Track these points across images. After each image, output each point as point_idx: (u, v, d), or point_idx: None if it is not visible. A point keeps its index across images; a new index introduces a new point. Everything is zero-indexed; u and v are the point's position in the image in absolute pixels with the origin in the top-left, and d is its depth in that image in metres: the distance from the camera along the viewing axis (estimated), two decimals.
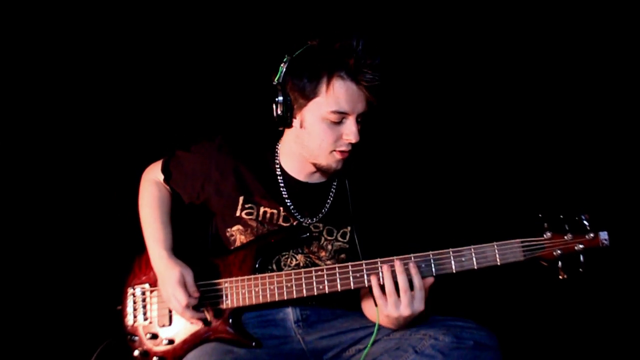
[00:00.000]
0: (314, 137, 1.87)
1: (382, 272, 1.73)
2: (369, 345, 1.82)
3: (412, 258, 1.76)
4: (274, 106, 1.87)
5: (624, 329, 2.50)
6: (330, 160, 1.90)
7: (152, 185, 2.11)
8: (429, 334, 1.74)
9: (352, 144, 1.87)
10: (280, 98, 1.86)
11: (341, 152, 1.88)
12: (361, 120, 1.87)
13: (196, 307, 1.89)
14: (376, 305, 1.75)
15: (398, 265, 1.72)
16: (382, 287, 1.73)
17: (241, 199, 2.00)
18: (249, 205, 1.99)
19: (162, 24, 2.56)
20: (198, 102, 2.62)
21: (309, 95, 1.83)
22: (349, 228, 1.99)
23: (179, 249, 1.97)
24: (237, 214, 1.99)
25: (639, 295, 2.49)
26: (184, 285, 1.85)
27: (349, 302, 2.03)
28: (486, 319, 1.80)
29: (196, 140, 2.10)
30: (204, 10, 2.58)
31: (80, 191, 2.54)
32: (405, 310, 1.70)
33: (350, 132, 1.84)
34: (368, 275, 1.76)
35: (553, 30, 2.54)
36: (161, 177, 2.11)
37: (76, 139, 2.56)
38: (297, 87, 1.84)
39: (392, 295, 1.71)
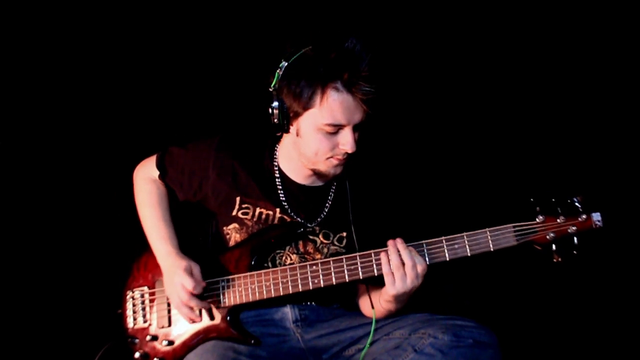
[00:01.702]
0: (311, 146, 1.85)
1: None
2: (367, 345, 1.83)
3: None
4: (270, 111, 1.85)
5: (622, 314, 2.48)
6: (328, 166, 1.89)
7: (148, 183, 2.10)
8: (428, 332, 1.74)
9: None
10: (276, 104, 1.83)
11: (338, 158, 1.86)
12: (359, 128, 1.84)
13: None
14: (372, 306, 1.83)
15: (400, 242, 1.74)
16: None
17: (238, 199, 2.00)
18: (246, 205, 2.00)
19: (159, 24, 2.57)
20: (198, 103, 2.63)
21: (304, 105, 1.80)
22: (345, 233, 1.99)
23: (181, 247, 1.98)
24: (234, 213, 2.00)
25: (634, 278, 2.47)
26: (191, 274, 1.86)
27: (348, 301, 2.04)
28: (485, 317, 1.80)
29: (194, 139, 2.09)
30: (204, 10, 2.58)
31: (80, 195, 2.56)
32: (410, 284, 1.72)
33: (346, 142, 1.82)
34: (376, 257, 1.77)
35: (535, 22, 2.54)
36: (156, 173, 2.10)
37: (76, 143, 2.57)
38: (292, 96, 1.81)
39: (400, 270, 1.72)
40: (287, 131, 1.88)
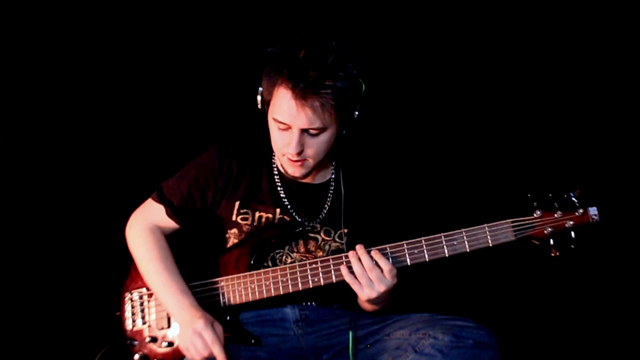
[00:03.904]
0: (270, 136, 1.89)
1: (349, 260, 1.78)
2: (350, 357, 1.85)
3: (405, 245, 1.78)
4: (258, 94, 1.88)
5: (620, 308, 2.50)
6: (286, 164, 1.90)
7: (147, 236, 1.99)
8: (428, 333, 1.75)
9: (305, 154, 1.84)
10: (261, 89, 1.86)
11: (289, 158, 1.86)
12: (315, 136, 1.81)
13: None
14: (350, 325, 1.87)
15: (359, 248, 1.77)
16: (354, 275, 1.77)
17: (237, 204, 1.99)
18: (244, 210, 1.99)
19: (154, 31, 2.55)
20: (193, 105, 2.61)
21: (267, 96, 1.84)
22: (346, 230, 1.99)
23: (180, 247, 1.98)
24: (233, 218, 2.00)
25: (632, 271, 2.49)
26: (213, 329, 1.77)
27: (348, 301, 2.03)
28: (485, 317, 1.81)
29: (188, 140, 2.10)
30: (198, 12, 2.57)
31: (78, 196, 2.54)
32: (379, 286, 1.73)
33: (288, 142, 1.82)
34: (336, 267, 1.80)
35: (528, 18, 2.55)
36: (158, 214, 2.01)
37: (75, 143, 2.55)
38: (264, 84, 1.84)
39: (364, 277, 1.74)
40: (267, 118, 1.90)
